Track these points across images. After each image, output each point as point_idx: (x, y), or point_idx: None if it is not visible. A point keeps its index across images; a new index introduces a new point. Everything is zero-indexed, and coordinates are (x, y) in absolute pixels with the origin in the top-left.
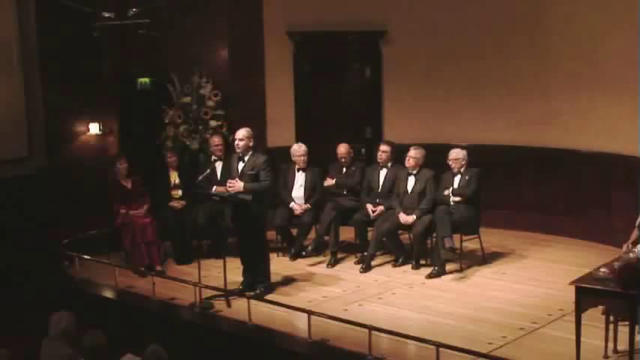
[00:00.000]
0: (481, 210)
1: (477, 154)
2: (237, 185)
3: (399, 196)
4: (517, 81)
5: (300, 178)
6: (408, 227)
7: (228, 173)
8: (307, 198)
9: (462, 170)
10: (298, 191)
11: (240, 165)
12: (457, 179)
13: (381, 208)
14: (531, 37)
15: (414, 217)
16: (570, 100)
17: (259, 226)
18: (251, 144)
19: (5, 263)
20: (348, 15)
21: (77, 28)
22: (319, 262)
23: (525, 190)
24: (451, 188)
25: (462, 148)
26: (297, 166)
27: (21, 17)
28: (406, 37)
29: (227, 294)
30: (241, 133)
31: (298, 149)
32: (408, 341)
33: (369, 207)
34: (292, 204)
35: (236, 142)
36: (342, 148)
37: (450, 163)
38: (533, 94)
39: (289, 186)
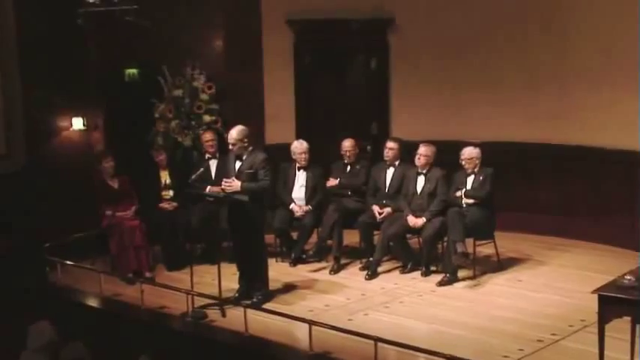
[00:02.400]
0: (496, 212)
1: (490, 152)
2: (233, 185)
3: (407, 197)
4: (533, 73)
5: (300, 178)
6: (417, 231)
7: (224, 172)
8: (308, 199)
9: (475, 170)
10: (299, 192)
11: (238, 163)
12: (470, 179)
13: (388, 209)
14: (547, 26)
15: (424, 219)
16: (590, 94)
17: (257, 229)
18: (245, 144)
19: None
20: (353, 2)
21: (59, 15)
22: (321, 268)
23: (542, 191)
24: (464, 189)
25: (475, 145)
26: (297, 165)
27: None
28: (415, 25)
29: (222, 302)
30: (232, 136)
31: (299, 146)
32: (417, 353)
33: (375, 209)
34: (292, 205)
35: (229, 147)
36: (347, 143)
37: (463, 162)
38: (550, 87)
39: (289, 186)
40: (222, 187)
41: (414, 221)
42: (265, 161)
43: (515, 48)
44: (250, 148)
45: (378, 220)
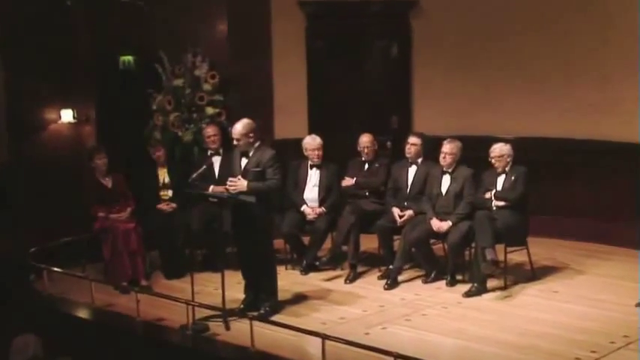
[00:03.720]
0: (529, 216)
1: (523, 149)
2: (238, 184)
3: (431, 198)
4: (570, 62)
5: (313, 177)
6: (441, 236)
7: (229, 170)
8: (322, 200)
9: (506, 169)
10: (311, 192)
11: (244, 161)
12: (501, 180)
13: (409, 212)
14: (586, 10)
15: (449, 223)
16: (634, 85)
17: (264, 234)
18: (251, 140)
19: None
20: None
21: None
22: (336, 277)
23: (580, 192)
24: (494, 190)
25: (506, 141)
26: (310, 163)
27: None
28: (441, 7)
29: (225, 314)
30: (237, 130)
31: (312, 142)
32: None
33: (396, 211)
34: (304, 207)
35: (234, 143)
36: (365, 138)
37: (493, 160)
38: (589, 77)
39: (301, 186)
40: (227, 186)
41: (439, 225)
42: (274, 158)
43: (552, 33)
44: (257, 144)
45: (398, 224)
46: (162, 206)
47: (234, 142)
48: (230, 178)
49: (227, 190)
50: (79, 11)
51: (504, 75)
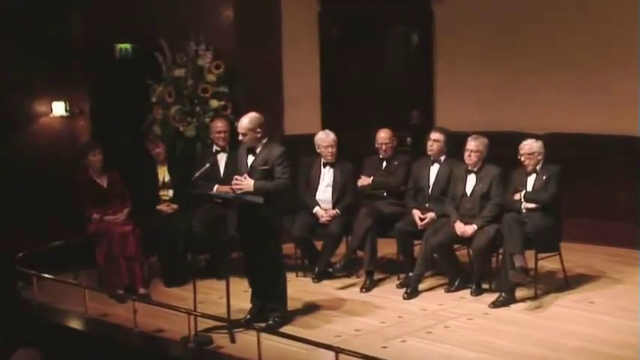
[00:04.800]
0: (562, 219)
1: (555, 146)
2: (244, 184)
3: (454, 199)
4: (608, 51)
5: (327, 176)
6: (466, 240)
7: (234, 169)
8: (336, 201)
9: (537, 168)
10: (324, 193)
11: (250, 158)
12: (531, 179)
13: (431, 215)
14: None
15: (475, 227)
16: None
17: (273, 238)
18: (259, 135)
19: None
20: None
21: None
22: (351, 285)
23: (619, 193)
24: (523, 191)
25: (537, 137)
26: (323, 161)
27: None
28: None
29: (231, 325)
30: (243, 125)
31: (325, 138)
32: None
33: (417, 213)
34: (316, 209)
35: (239, 137)
36: (383, 134)
37: (523, 158)
38: (629, 67)
39: (313, 186)
40: (232, 186)
41: (463, 229)
42: (283, 155)
43: (588, 19)
44: (265, 140)
45: (419, 228)
46: (163, 207)
47: (240, 137)
48: (236, 177)
49: (233, 190)
50: None
51: (536, 65)
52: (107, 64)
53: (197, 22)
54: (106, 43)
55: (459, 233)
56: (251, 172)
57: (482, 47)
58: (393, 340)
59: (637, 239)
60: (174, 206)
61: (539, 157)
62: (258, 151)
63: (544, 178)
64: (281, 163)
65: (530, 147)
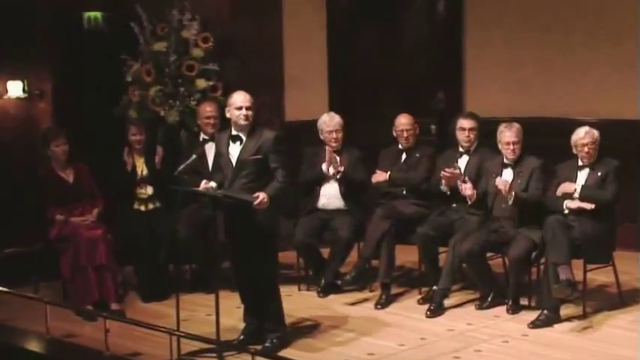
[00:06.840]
0: (616, 224)
1: (609, 135)
2: (261, 199)
3: (488, 196)
4: None
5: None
6: (501, 247)
7: (217, 163)
8: (345, 195)
9: (592, 162)
10: (331, 187)
11: (235, 149)
12: (583, 175)
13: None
14: None
15: (512, 193)
16: None
17: (270, 243)
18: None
19: None
20: None
21: None
22: (363, 300)
23: None
24: (576, 187)
25: (589, 125)
26: (327, 148)
27: None
28: None
29: (220, 348)
30: (248, 98)
31: (329, 122)
32: None
33: (465, 186)
34: (323, 165)
35: (242, 113)
36: (404, 119)
37: (578, 149)
38: None
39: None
40: (255, 205)
41: (504, 183)
42: (278, 141)
43: None
44: (249, 128)
45: (468, 201)
46: (140, 207)
47: (244, 113)
48: (258, 195)
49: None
50: None
51: (586, 39)
52: (73, 37)
53: None
54: (71, 10)
55: (501, 187)
56: (241, 166)
57: (523, 17)
58: None
59: None
60: (154, 206)
61: (596, 149)
62: (244, 138)
63: (599, 174)
64: (275, 150)
65: (585, 136)
